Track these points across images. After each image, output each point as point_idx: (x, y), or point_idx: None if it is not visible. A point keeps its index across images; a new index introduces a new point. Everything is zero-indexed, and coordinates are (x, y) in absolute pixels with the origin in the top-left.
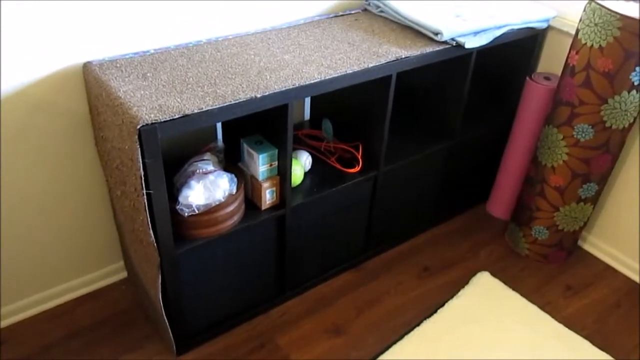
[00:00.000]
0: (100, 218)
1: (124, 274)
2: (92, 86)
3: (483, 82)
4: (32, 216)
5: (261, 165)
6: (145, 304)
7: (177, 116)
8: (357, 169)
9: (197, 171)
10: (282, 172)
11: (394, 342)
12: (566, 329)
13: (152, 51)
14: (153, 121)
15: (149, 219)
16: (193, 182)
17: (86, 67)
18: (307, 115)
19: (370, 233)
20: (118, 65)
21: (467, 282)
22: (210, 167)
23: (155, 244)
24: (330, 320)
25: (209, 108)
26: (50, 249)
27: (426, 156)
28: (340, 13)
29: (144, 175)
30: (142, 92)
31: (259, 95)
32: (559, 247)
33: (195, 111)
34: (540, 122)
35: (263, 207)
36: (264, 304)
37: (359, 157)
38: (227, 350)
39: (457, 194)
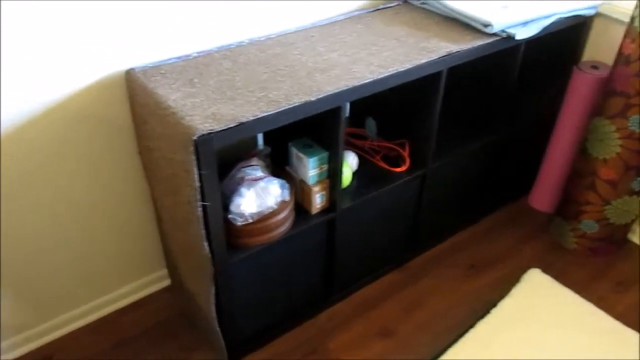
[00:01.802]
0: (143, 227)
1: (167, 282)
2: (136, 94)
3: (527, 73)
4: (75, 227)
5: (311, 169)
6: (192, 312)
7: (232, 125)
8: (404, 167)
9: (246, 177)
10: (332, 175)
11: (449, 345)
12: (623, 325)
13: (195, 55)
14: (209, 131)
15: (204, 231)
16: (244, 190)
17: (129, 75)
18: (346, 112)
19: (415, 231)
20: (162, 71)
21: (517, 280)
22: (260, 173)
23: (209, 256)
24: (380, 323)
25: (264, 114)
26: (94, 260)
27: (472, 151)
28: (380, 6)
29: (199, 187)
30: (192, 99)
31: (313, 99)
32: (609, 240)
33: (251, 118)
34: (588, 113)
35: (313, 212)
36: (311, 308)
37: (406, 155)
38: (278, 356)
39: (500, 188)
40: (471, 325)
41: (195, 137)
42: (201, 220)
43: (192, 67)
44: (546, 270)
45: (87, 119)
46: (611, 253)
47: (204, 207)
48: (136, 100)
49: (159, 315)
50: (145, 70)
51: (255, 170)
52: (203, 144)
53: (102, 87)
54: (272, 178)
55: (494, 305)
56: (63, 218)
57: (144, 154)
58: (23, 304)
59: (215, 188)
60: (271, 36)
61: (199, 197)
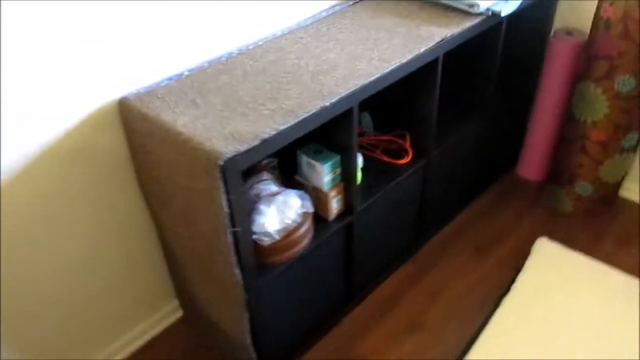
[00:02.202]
0: (150, 260)
1: (179, 314)
2: (134, 123)
3: (508, 49)
4: (78, 273)
5: (326, 175)
6: (215, 341)
7: (256, 143)
8: (407, 159)
9: (262, 194)
10: (346, 178)
11: (480, 329)
12: (636, 279)
13: (186, 73)
14: (234, 153)
15: (235, 258)
16: (263, 207)
17: (123, 104)
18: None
19: (420, 221)
20: (158, 95)
21: (526, 252)
22: (274, 187)
23: (241, 283)
24: (405, 317)
25: (284, 127)
26: (101, 305)
27: (466, 133)
28: None
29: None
30: (202, 121)
31: (328, 104)
32: (603, 200)
33: (273, 133)
34: (569, 79)
35: (330, 218)
36: (334, 314)
37: (408, 146)
38: None
39: (489, 164)
40: (496, 305)
41: (221, 162)
42: (232, 247)
43: (188, 87)
44: (549, 237)
45: (81, 157)
46: (607, 212)
47: (234, 234)
48: (135, 129)
49: (177, 351)
50: (139, 96)
51: (268, 185)
52: (229, 168)
53: (94, 121)
54: (289, 190)
55: (512, 280)
56: (64, 265)
57: (148, 186)
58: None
59: (244, 212)
60: (259, 43)
61: (228, 223)
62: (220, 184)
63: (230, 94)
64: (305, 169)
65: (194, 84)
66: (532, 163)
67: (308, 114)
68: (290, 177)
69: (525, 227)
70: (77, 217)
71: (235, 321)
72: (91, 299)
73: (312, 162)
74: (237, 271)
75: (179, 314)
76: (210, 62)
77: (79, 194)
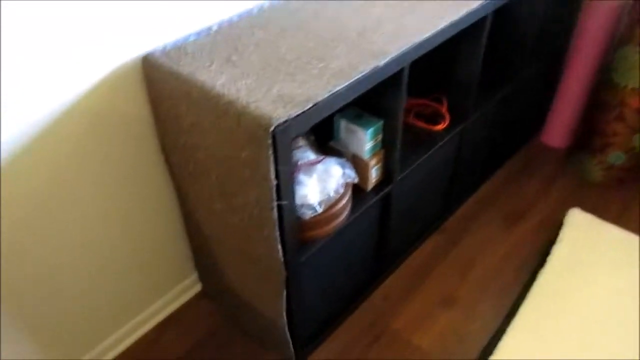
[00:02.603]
0: (170, 232)
1: (198, 287)
2: (162, 84)
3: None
4: (97, 245)
5: (368, 141)
6: (241, 317)
7: (309, 106)
8: (444, 124)
9: (300, 163)
10: (388, 145)
11: (517, 303)
12: None
13: (215, 27)
14: (286, 118)
15: (278, 234)
16: (304, 177)
17: (147, 61)
18: None
19: (450, 190)
20: (188, 51)
21: (558, 223)
22: (312, 155)
23: (282, 260)
24: (438, 292)
25: (338, 88)
26: (120, 278)
27: (497, 98)
28: None
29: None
30: (244, 81)
31: (381, 64)
32: (635, 169)
33: (326, 95)
34: (606, 44)
35: (369, 188)
36: (365, 289)
37: (445, 111)
38: (345, 349)
39: (516, 131)
40: (531, 279)
41: (272, 128)
42: (276, 222)
43: (221, 43)
44: (579, 207)
45: (99, 122)
46: (637, 181)
47: (279, 208)
48: (161, 91)
49: (202, 326)
50: (166, 53)
51: (305, 152)
52: (281, 135)
53: (114, 81)
54: (329, 158)
55: (546, 253)
56: (79, 238)
57: (174, 154)
58: (50, 343)
59: (291, 185)
60: None
61: (274, 197)
62: (269, 153)
63: (270, 52)
64: (343, 134)
65: (227, 39)
66: (558, 130)
67: (361, 75)
68: (323, 144)
69: (553, 196)
70: (93, 188)
71: (270, 300)
72: (108, 273)
73: (354, 127)
74: (279, 247)
75: (198, 287)
76: (240, 16)
77: (95, 163)
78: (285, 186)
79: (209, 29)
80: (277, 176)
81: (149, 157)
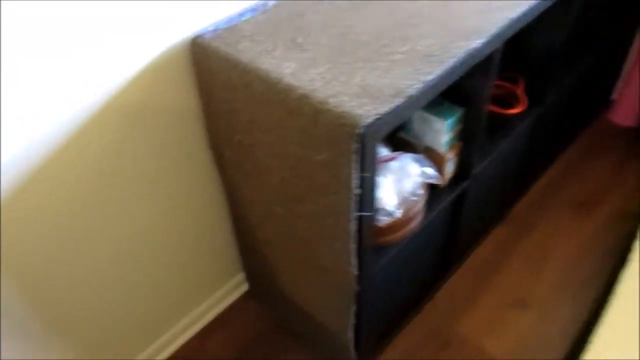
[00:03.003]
0: (216, 232)
1: (244, 288)
2: (215, 72)
3: None
4: (141, 247)
5: (447, 132)
6: (294, 322)
7: (399, 101)
8: (520, 108)
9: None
10: (467, 136)
11: (600, 306)
12: None
13: (272, 2)
14: (375, 117)
15: (354, 247)
16: (379, 178)
17: (196, 46)
18: None
19: (519, 177)
20: (245, 33)
21: (635, 211)
22: (385, 151)
23: (356, 273)
24: (507, 292)
25: (431, 77)
26: (162, 280)
27: (574, 76)
28: None
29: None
30: (317, 70)
31: (479, 44)
32: None
33: (419, 86)
34: None
35: (443, 184)
36: (427, 289)
37: (521, 93)
38: (410, 356)
39: (584, 109)
40: (614, 277)
41: (360, 129)
42: (353, 235)
43: (282, 21)
44: None
45: (141, 116)
46: None
47: (360, 218)
48: (214, 81)
49: (249, 330)
50: (219, 35)
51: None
52: (369, 137)
53: (157, 70)
54: (404, 154)
55: (627, 249)
56: (121, 241)
57: (227, 152)
58: (90, 353)
59: (373, 194)
60: None
61: (354, 207)
62: (353, 158)
63: (342, 31)
64: (416, 125)
65: (288, 16)
66: (629, 107)
67: (456, 59)
68: (391, 135)
69: (628, 180)
70: (135, 186)
71: (334, 314)
72: (152, 274)
73: (430, 117)
74: (353, 260)
75: (245, 287)
76: None
77: (137, 160)
78: (369, 195)
79: (265, 4)
80: (360, 184)
81: (195, 154)
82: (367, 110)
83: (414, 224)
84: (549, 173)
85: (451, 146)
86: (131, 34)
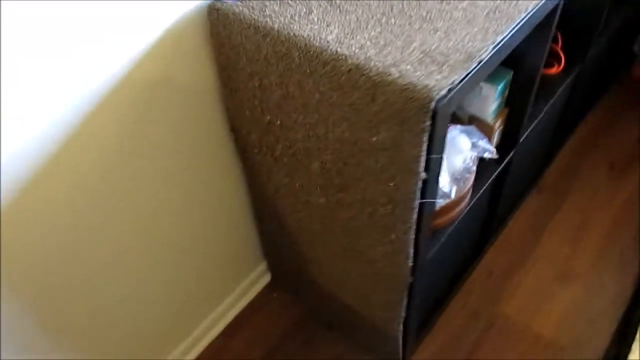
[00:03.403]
0: (237, 219)
1: (267, 278)
2: (240, 43)
3: None
4: (160, 244)
5: (495, 100)
6: (326, 311)
7: (473, 67)
8: (558, 67)
9: None
10: (516, 102)
11: None
12: None
13: None
14: (448, 88)
15: (413, 238)
16: None
17: (214, 12)
18: None
19: (556, 139)
20: None
21: None
22: None
23: (411, 265)
24: (548, 265)
25: (501, 38)
26: (189, 276)
27: (613, 28)
28: None
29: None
30: (366, 34)
31: None
32: None
33: (491, 49)
34: None
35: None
36: (466, 268)
37: (560, 50)
38: (453, 341)
39: (611, 65)
40: None
41: (433, 103)
42: (414, 224)
43: None
44: None
45: (155, 94)
46: None
47: (422, 206)
48: (238, 53)
49: (278, 323)
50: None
51: None
52: (442, 112)
53: (169, 43)
54: (453, 127)
55: None
56: (138, 231)
57: (254, 134)
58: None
59: (436, 179)
60: None
61: (419, 194)
62: (424, 138)
63: None
64: None
65: None
66: None
67: (525, 14)
68: None
69: None
70: (149, 173)
71: (383, 307)
72: (180, 269)
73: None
74: (410, 252)
75: (267, 278)
76: None
77: (151, 145)
78: (434, 180)
79: None
80: (426, 167)
81: (214, 137)
82: (437, 80)
83: (464, 203)
84: (577, 135)
85: (498, 114)
86: (133, 4)
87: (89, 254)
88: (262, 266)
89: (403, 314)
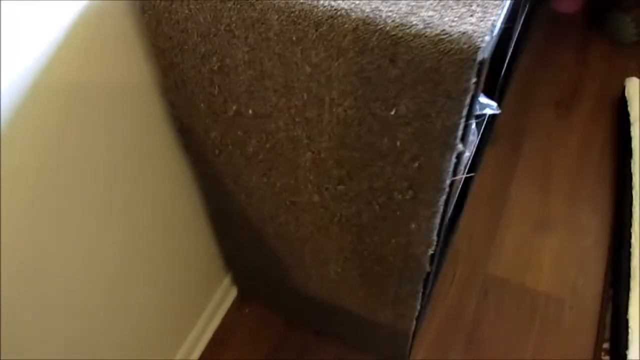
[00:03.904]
0: (193, 237)
1: (233, 294)
2: (183, 14)
3: None
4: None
5: None
6: (316, 319)
7: (505, 5)
8: None
9: None
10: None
11: (622, 203)
12: None
13: None
14: (491, 31)
15: (437, 222)
16: None
17: None
18: None
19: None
20: None
21: (613, 97)
22: None
23: (431, 253)
24: (526, 217)
25: None
26: (150, 305)
27: None
28: None
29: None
30: None
31: None
32: None
33: None
34: None
35: None
36: (447, 234)
37: None
38: (454, 319)
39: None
40: (623, 173)
41: (479, 55)
42: (441, 207)
43: None
44: (625, 76)
45: (78, 98)
46: None
47: (451, 185)
48: (187, 28)
49: (261, 342)
50: None
51: None
52: (485, 64)
53: (84, 32)
54: None
55: (626, 137)
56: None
57: (215, 129)
58: None
59: (467, 147)
60: None
61: (451, 171)
62: (465, 100)
63: None
64: None
65: None
66: None
67: None
68: None
69: (595, 69)
70: (94, 191)
71: (394, 305)
72: (122, 311)
73: None
74: (434, 239)
75: (234, 293)
76: None
77: (80, 159)
78: (465, 152)
79: None
80: (462, 138)
81: (154, 141)
82: (474, 24)
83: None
84: (517, 79)
85: None
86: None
87: (20, 303)
88: (227, 281)
89: (418, 307)
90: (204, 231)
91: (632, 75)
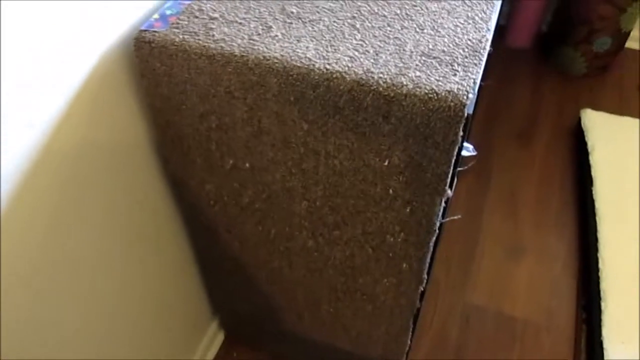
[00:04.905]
0: (182, 284)
1: (220, 338)
2: (182, 77)
3: None
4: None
5: None
6: (305, 357)
7: (481, 60)
8: None
9: None
10: None
11: (587, 230)
12: None
13: None
14: (473, 88)
15: (427, 262)
16: None
17: (145, 45)
18: None
19: None
20: (209, 13)
21: (570, 127)
22: None
23: (422, 290)
24: (499, 244)
25: (491, 22)
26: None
27: None
28: None
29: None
30: (345, 45)
31: None
32: (614, 54)
33: (487, 35)
34: None
35: None
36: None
37: None
38: (439, 344)
39: None
40: (586, 198)
41: (465, 110)
42: (431, 247)
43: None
44: (578, 105)
45: (77, 166)
46: (618, 65)
47: (440, 226)
48: (186, 89)
49: None
50: (175, 23)
51: None
52: (469, 118)
53: (86, 99)
54: None
55: (586, 165)
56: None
57: (210, 182)
58: None
59: (453, 188)
60: None
61: (440, 214)
62: (453, 151)
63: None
64: None
65: None
66: (523, 29)
67: None
68: None
69: (546, 98)
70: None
71: (385, 342)
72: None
73: None
74: (424, 278)
75: (221, 337)
76: None
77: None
78: (456, 195)
79: None
80: (451, 183)
81: (149, 198)
82: (457, 82)
83: None
84: (479, 111)
85: None
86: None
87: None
88: (214, 326)
89: (409, 342)
90: (193, 278)
91: (584, 106)
